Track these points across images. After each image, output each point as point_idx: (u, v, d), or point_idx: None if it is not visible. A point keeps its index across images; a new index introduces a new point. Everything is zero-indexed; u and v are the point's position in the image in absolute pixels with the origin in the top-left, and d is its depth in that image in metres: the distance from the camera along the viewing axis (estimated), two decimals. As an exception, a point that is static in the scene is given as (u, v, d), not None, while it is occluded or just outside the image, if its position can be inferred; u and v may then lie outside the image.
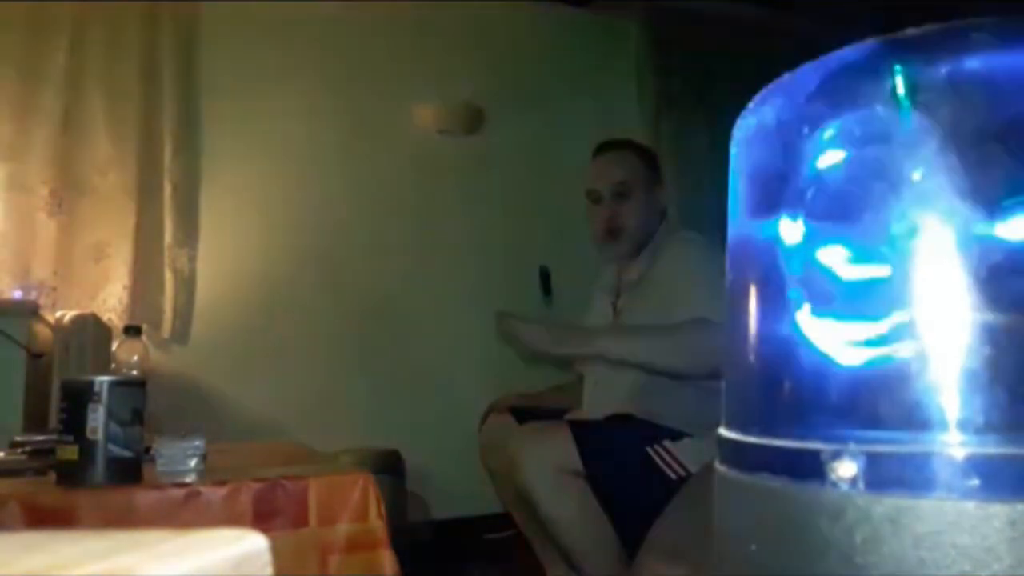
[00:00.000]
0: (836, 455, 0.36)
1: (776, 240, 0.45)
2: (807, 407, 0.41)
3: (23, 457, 1.37)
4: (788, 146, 0.45)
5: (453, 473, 2.69)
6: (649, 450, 1.60)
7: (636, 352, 1.63)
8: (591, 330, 1.76)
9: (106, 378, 1.10)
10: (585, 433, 1.61)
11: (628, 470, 1.60)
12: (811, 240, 0.42)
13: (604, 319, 1.91)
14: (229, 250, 2.70)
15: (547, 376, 2.28)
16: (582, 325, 2.00)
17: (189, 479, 1.14)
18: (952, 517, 0.33)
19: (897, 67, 0.39)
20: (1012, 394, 0.35)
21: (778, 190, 0.46)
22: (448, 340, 2.97)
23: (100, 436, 1.07)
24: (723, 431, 0.46)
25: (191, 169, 2.66)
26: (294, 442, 1.95)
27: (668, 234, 1.85)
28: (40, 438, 1.44)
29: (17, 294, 2.28)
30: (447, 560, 2.59)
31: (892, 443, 0.36)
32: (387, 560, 1.13)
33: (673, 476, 1.56)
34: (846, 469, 0.36)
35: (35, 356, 1.85)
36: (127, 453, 1.09)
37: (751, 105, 0.47)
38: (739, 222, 0.49)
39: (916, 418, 0.36)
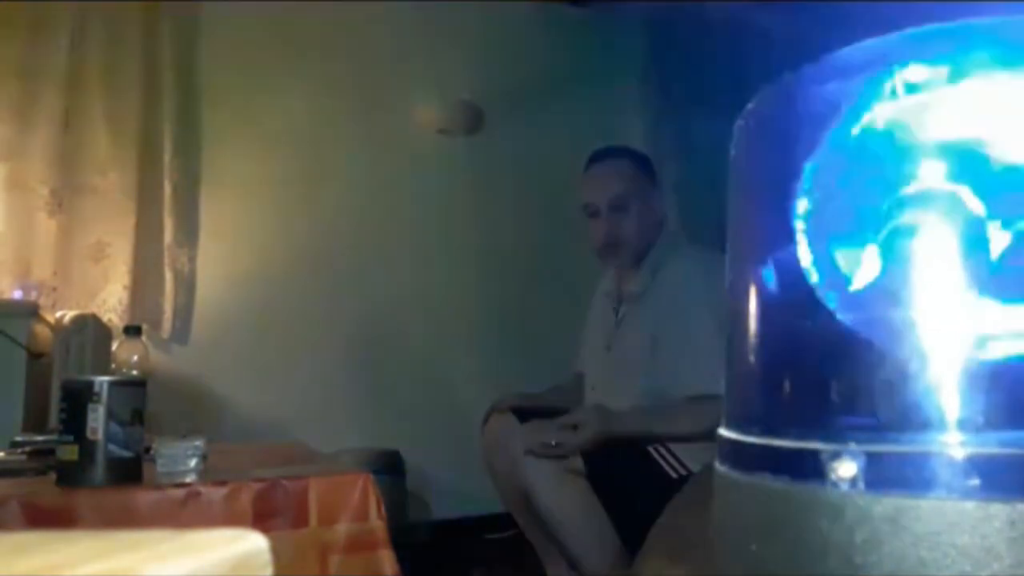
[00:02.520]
0: (836, 455, 0.36)
1: (776, 240, 0.45)
2: (807, 407, 0.41)
3: (23, 457, 1.37)
4: (787, 146, 0.45)
5: (453, 473, 2.69)
6: (650, 449, 1.61)
7: (651, 428, 1.63)
8: (605, 415, 1.71)
9: (106, 378, 1.10)
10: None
11: (629, 469, 1.60)
12: (810, 240, 0.42)
13: (606, 325, 1.91)
14: (229, 250, 2.71)
15: (548, 377, 2.28)
16: (584, 333, 2.01)
17: (189, 479, 1.14)
18: (952, 517, 0.33)
19: (897, 67, 0.39)
20: (1012, 394, 0.35)
21: (778, 191, 0.46)
22: (448, 339, 2.97)
23: (100, 436, 1.07)
24: (723, 431, 0.46)
25: (191, 169, 2.66)
26: (294, 442, 1.95)
27: (669, 244, 1.84)
28: (40, 438, 1.44)
29: (17, 294, 2.28)
30: (447, 560, 2.59)
31: (892, 443, 0.36)
32: (387, 560, 1.13)
33: (674, 475, 1.57)
34: (846, 469, 0.36)
35: (35, 356, 1.85)
36: (127, 453, 1.09)
37: (751, 105, 0.47)
38: (739, 223, 0.49)
39: (916, 418, 0.36)
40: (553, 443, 1.60)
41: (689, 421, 1.54)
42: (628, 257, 1.83)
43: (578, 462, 1.59)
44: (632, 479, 1.59)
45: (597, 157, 1.88)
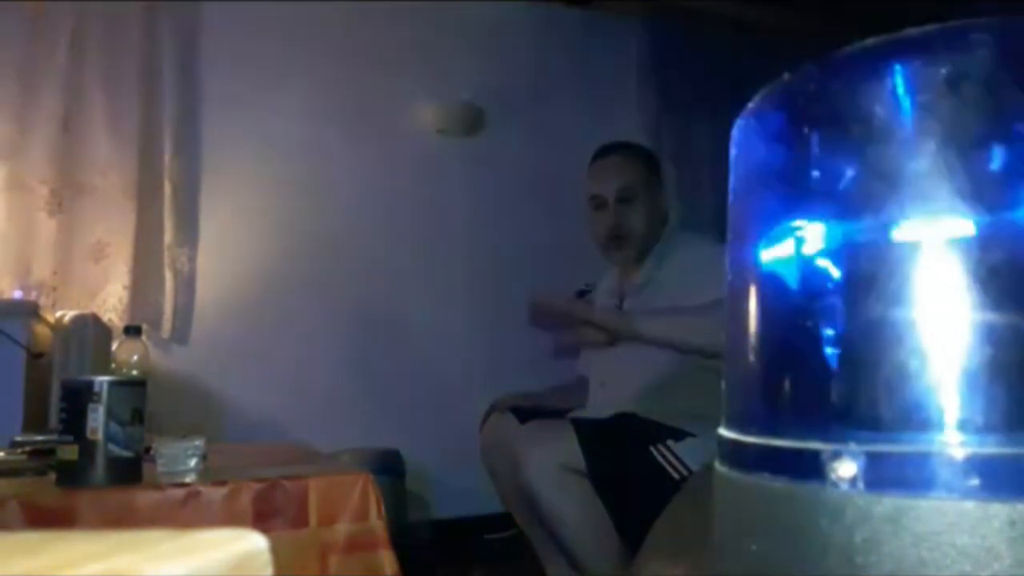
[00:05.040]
0: (836, 455, 0.36)
1: (776, 240, 0.45)
2: (807, 407, 0.41)
3: (23, 457, 1.37)
4: (787, 146, 0.45)
5: (453, 473, 2.69)
6: (652, 449, 1.61)
7: (672, 331, 1.62)
8: (627, 312, 1.74)
9: (106, 378, 1.10)
10: (588, 432, 1.62)
11: (630, 469, 1.60)
12: (810, 240, 0.42)
13: None
14: (229, 250, 2.71)
15: (549, 377, 2.28)
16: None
17: (189, 479, 1.14)
18: (952, 517, 0.33)
19: (897, 67, 0.39)
20: (1012, 394, 0.35)
21: (778, 190, 0.46)
22: (448, 340, 2.97)
23: (100, 436, 1.07)
24: (723, 431, 0.46)
25: (191, 169, 2.66)
26: (294, 442, 1.95)
27: (671, 237, 1.85)
28: (40, 438, 1.44)
29: (17, 294, 2.28)
30: (447, 560, 2.59)
31: (892, 443, 0.36)
32: (387, 560, 1.14)
33: (676, 475, 1.57)
34: (846, 469, 0.36)
35: (35, 356, 1.85)
36: (127, 453, 1.09)
37: (751, 105, 0.47)
38: (739, 223, 0.49)
39: (916, 418, 0.36)
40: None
41: (718, 324, 1.52)
42: (633, 250, 1.83)
43: (580, 462, 1.59)
44: (633, 479, 1.59)
45: (605, 150, 1.90)
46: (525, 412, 1.82)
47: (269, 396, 2.64)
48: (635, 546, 1.51)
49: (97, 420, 1.07)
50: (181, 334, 2.61)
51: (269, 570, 0.33)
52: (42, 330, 2.00)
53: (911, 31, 0.39)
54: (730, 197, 0.50)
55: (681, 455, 1.59)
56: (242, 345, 2.67)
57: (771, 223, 0.46)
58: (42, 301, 2.28)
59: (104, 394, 1.08)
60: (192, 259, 2.64)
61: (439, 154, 3.06)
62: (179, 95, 2.64)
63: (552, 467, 1.59)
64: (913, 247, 0.38)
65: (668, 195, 1.94)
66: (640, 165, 1.86)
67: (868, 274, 0.40)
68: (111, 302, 2.45)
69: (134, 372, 1.53)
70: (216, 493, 1.09)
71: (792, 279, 0.44)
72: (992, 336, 0.36)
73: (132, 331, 1.61)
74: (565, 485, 1.58)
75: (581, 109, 3.25)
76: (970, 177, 0.38)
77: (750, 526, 0.41)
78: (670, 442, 1.61)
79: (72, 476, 1.08)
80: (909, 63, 0.39)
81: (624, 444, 1.62)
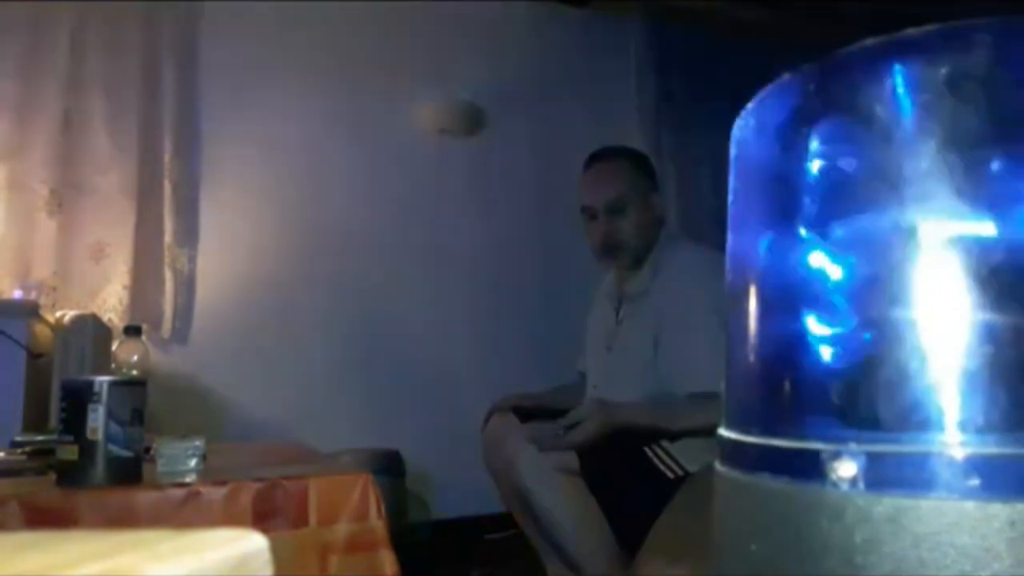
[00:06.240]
0: (836, 455, 0.36)
1: (776, 241, 0.45)
2: (807, 407, 0.41)
3: (23, 457, 1.37)
4: (787, 146, 0.45)
5: (453, 473, 2.69)
6: (647, 450, 1.60)
7: (656, 420, 1.61)
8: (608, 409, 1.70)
9: (106, 378, 1.10)
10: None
11: (626, 470, 1.60)
12: (810, 240, 0.42)
13: (607, 325, 1.91)
14: (229, 250, 2.71)
15: (550, 377, 2.28)
16: (586, 333, 2.00)
17: (189, 479, 1.14)
18: (952, 517, 0.33)
19: (897, 67, 0.39)
20: (1012, 394, 0.35)
21: (778, 190, 0.46)
22: (448, 339, 2.97)
23: (100, 436, 1.07)
24: (723, 431, 0.46)
25: (191, 169, 2.66)
26: (294, 442, 1.95)
27: (669, 244, 1.83)
28: (40, 438, 1.44)
29: (17, 294, 2.28)
30: (447, 560, 2.59)
31: (892, 443, 0.36)
32: (387, 560, 1.13)
33: (671, 475, 1.56)
34: (846, 469, 0.36)
35: (35, 356, 1.85)
36: (127, 453, 1.09)
37: (750, 105, 0.47)
38: (739, 223, 0.49)
39: (916, 418, 0.36)
40: (561, 432, 1.59)
41: (691, 417, 1.53)
42: (627, 259, 1.82)
43: (574, 461, 1.59)
44: (628, 479, 1.59)
45: (595, 158, 1.87)
46: (526, 412, 1.82)
47: (269, 396, 2.64)
48: (630, 546, 1.51)
49: (97, 420, 1.07)
50: (181, 334, 2.61)
51: (269, 570, 0.33)
52: (42, 330, 2.00)
53: (911, 31, 0.39)
54: (730, 197, 0.50)
55: (676, 455, 1.59)
56: (242, 345, 2.67)
57: (771, 223, 0.46)
58: (42, 301, 2.27)
59: (104, 394, 1.08)
60: (192, 259, 2.64)
61: (439, 154, 3.06)
62: (179, 95, 2.64)
63: (546, 467, 1.59)
64: (913, 247, 0.38)
65: (665, 197, 1.92)
66: (631, 172, 1.83)
67: (868, 274, 0.40)
68: (111, 302, 2.46)
69: (134, 372, 1.53)
70: (216, 493, 1.09)
71: (792, 279, 0.44)
72: (992, 336, 0.36)
73: (132, 331, 1.61)
74: (561, 486, 1.58)
75: (581, 109, 3.25)
76: (970, 177, 0.38)
77: (750, 526, 0.41)
78: (665, 442, 1.60)
79: (72, 476, 1.08)
80: (909, 63, 0.39)
81: (618, 444, 1.61)
